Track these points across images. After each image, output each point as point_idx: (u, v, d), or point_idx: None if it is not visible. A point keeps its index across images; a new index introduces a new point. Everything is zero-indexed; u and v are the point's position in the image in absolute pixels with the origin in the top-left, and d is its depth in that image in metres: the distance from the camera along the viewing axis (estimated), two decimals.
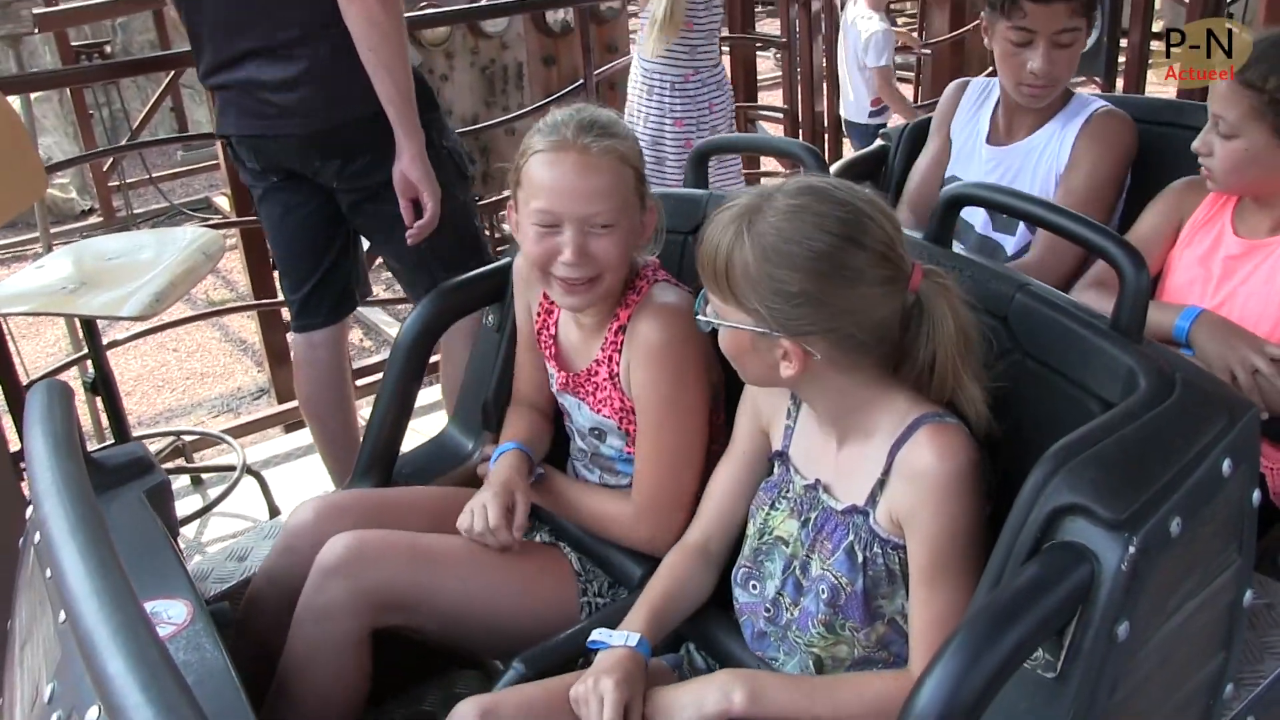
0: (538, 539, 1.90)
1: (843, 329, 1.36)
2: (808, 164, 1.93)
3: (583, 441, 1.89)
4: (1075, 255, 2.15)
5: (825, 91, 5.37)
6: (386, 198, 2.52)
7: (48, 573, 1.20)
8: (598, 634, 1.54)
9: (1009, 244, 2.33)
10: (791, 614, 1.52)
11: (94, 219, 7.30)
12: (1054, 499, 1.21)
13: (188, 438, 3.93)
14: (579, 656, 1.61)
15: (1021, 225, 2.31)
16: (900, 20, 9.64)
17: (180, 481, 3.67)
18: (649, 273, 1.79)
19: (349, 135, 2.49)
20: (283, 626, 1.66)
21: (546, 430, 1.97)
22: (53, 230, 5.41)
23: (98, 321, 2.92)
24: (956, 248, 1.79)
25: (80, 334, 3.17)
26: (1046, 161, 2.29)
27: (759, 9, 8.43)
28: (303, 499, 1.85)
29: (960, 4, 6.34)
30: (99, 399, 3.08)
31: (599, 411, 1.81)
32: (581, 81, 4.36)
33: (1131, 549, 1.17)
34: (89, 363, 3.02)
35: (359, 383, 3.62)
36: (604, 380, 1.79)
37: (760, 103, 6.69)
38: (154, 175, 7.12)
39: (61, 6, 6.40)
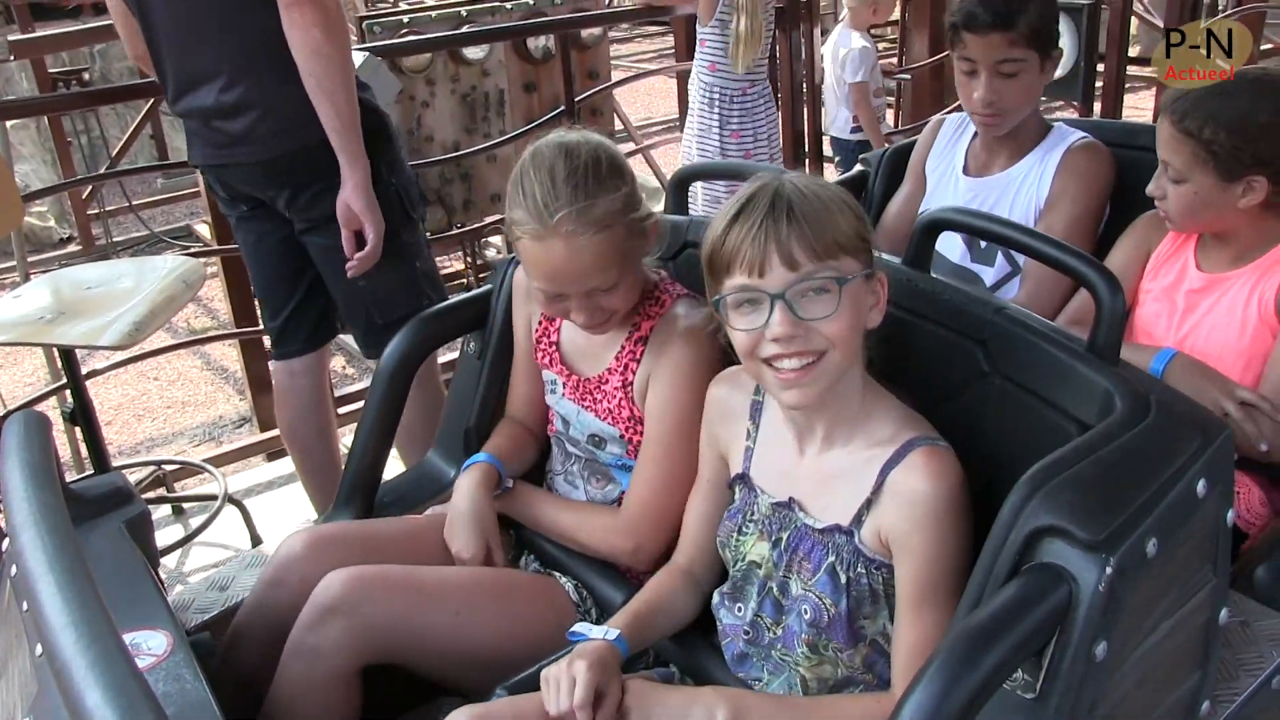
0: (530, 569, 1.89)
1: None
2: None
3: (576, 449, 1.88)
4: (1062, 294, 2.16)
5: (806, 114, 5.42)
6: (330, 230, 2.50)
7: (24, 606, 1.19)
8: (578, 627, 1.55)
9: (987, 275, 2.34)
10: (774, 633, 1.52)
11: (73, 247, 7.26)
12: (1032, 520, 1.23)
13: (168, 467, 3.91)
14: None
15: (1000, 257, 2.33)
16: (881, 45, 9.70)
17: (161, 511, 3.64)
18: (668, 286, 1.79)
19: (298, 164, 2.48)
20: (269, 659, 1.65)
21: (531, 445, 1.97)
22: (31, 259, 5.40)
23: (76, 351, 2.90)
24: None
25: (59, 364, 3.15)
26: (1026, 194, 2.30)
27: None
28: (285, 527, 1.84)
29: (940, 30, 6.39)
30: (78, 429, 3.06)
31: (604, 419, 1.80)
32: (563, 108, 4.38)
33: (1109, 570, 1.18)
34: (68, 393, 3.00)
35: (341, 410, 3.60)
36: (614, 390, 1.78)
37: None
38: (134, 203, 7.09)
39: (38, 34, 6.39)
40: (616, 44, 11.53)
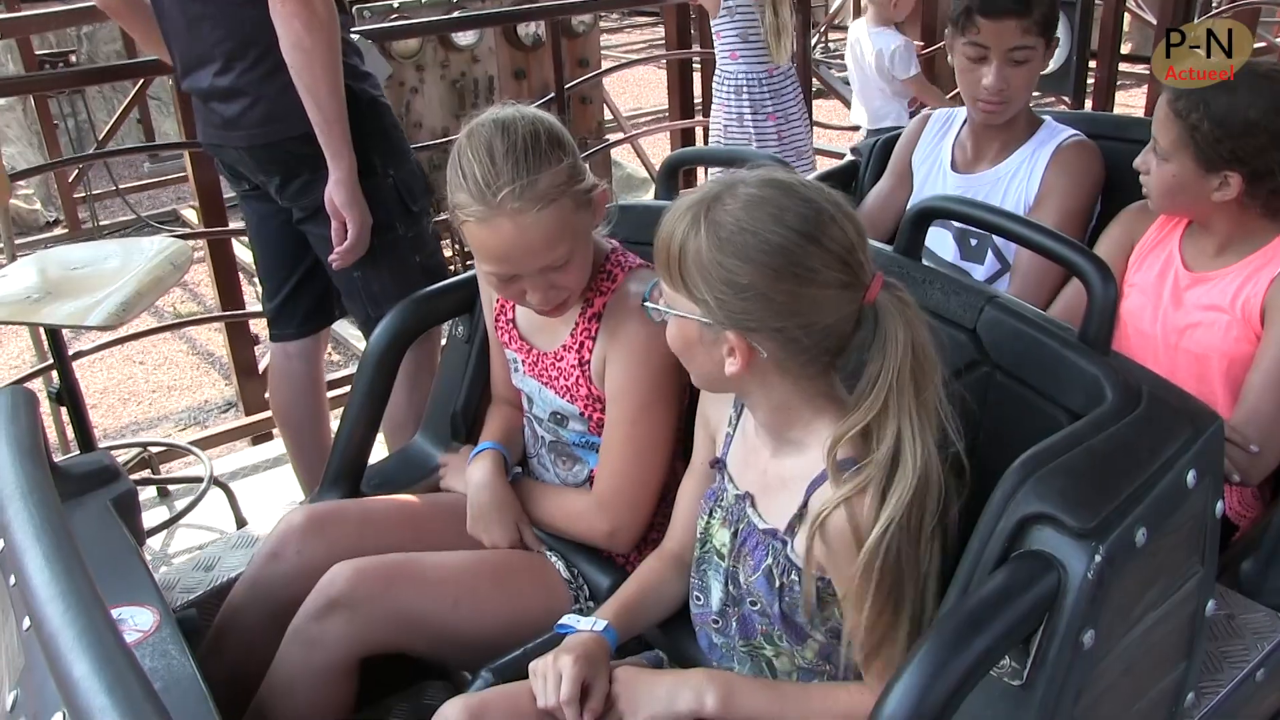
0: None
1: (789, 329, 1.30)
2: None
3: (540, 428, 1.86)
4: (1050, 289, 2.16)
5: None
6: (323, 219, 2.51)
7: (11, 580, 1.19)
8: (566, 619, 1.54)
9: (977, 273, 2.34)
10: (737, 623, 1.52)
11: (59, 230, 7.22)
12: (1022, 508, 1.23)
13: (154, 449, 3.90)
14: None
15: (990, 254, 2.33)
16: None
17: (146, 493, 3.63)
18: (620, 258, 1.76)
19: (286, 152, 2.49)
20: (264, 633, 1.65)
21: (521, 428, 1.96)
22: (16, 242, 5.35)
23: (63, 331, 2.88)
24: None
25: (45, 344, 3.14)
26: (1016, 190, 2.30)
27: None
28: (270, 510, 1.84)
29: (931, 24, 6.39)
30: (64, 410, 3.05)
31: (563, 397, 1.79)
32: (552, 95, 4.37)
33: (1098, 558, 1.18)
34: (54, 373, 2.98)
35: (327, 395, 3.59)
36: (571, 367, 1.76)
37: None
38: (120, 187, 7.05)
39: (24, 13, 6.34)
40: (606, 34, 11.51)
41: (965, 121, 2.42)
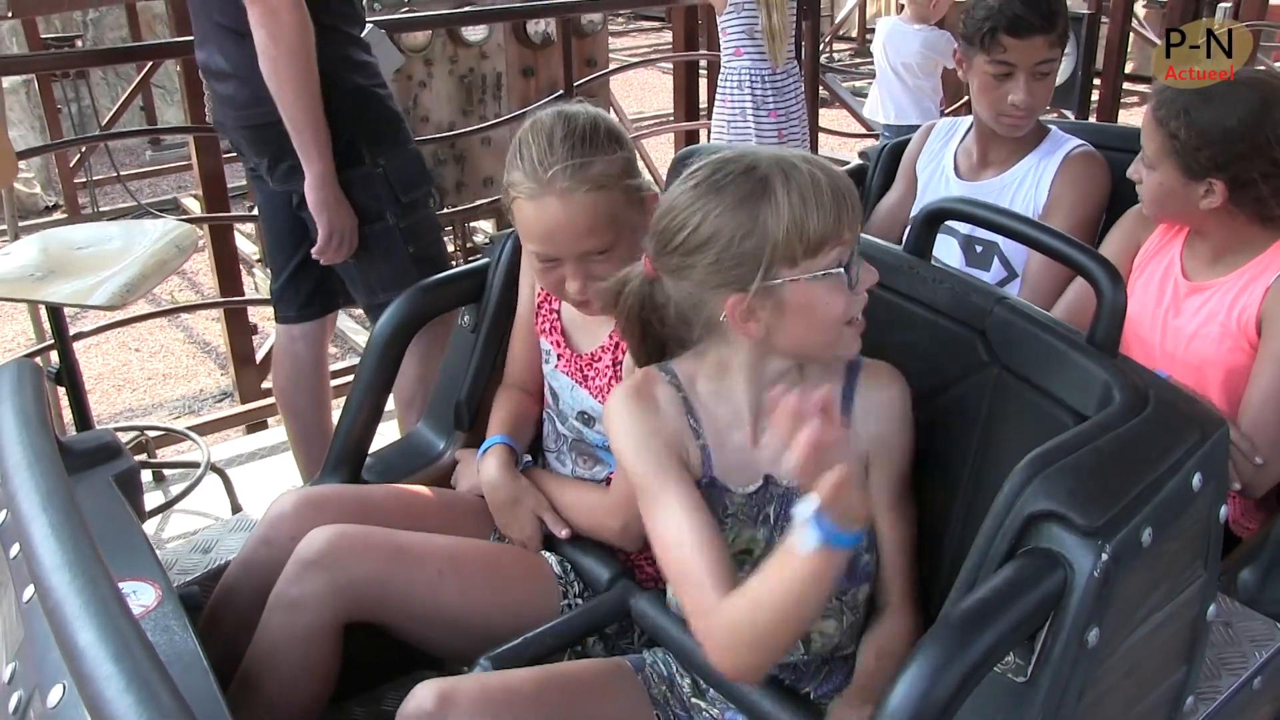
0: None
1: None
2: None
3: (564, 426, 1.87)
4: (1058, 293, 2.16)
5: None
6: None
7: (13, 551, 1.18)
8: None
9: (983, 278, 2.32)
10: None
11: (58, 215, 7.21)
12: (1029, 505, 1.23)
13: (152, 434, 3.89)
14: (546, 656, 1.60)
15: (996, 261, 2.33)
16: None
17: (143, 478, 3.61)
18: None
19: (274, 135, 2.49)
20: (257, 614, 1.64)
21: (534, 413, 1.96)
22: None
23: (65, 311, 2.88)
24: None
25: (46, 323, 3.13)
26: (1023, 198, 2.30)
27: None
28: (266, 497, 1.83)
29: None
30: (62, 390, 3.04)
31: (596, 397, 1.79)
32: (560, 93, 4.38)
33: (1105, 556, 1.18)
34: (53, 354, 2.97)
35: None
36: (606, 367, 1.77)
37: None
38: (121, 174, 7.04)
39: None
40: (613, 37, 11.51)
41: (969, 129, 2.42)
